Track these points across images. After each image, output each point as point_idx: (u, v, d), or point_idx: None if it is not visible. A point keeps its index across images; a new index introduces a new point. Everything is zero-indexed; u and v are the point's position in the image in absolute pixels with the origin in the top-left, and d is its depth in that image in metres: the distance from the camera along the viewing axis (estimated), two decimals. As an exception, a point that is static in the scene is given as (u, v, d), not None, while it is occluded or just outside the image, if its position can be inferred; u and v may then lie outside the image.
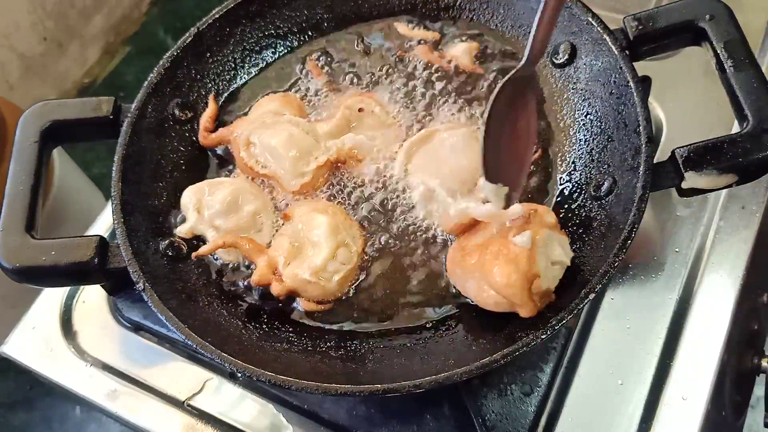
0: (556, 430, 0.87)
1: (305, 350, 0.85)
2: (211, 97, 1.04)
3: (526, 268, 0.75)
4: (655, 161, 0.81)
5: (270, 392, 0.95)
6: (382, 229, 0.92)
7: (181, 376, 0.99)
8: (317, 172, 0.95)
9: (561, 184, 0.92)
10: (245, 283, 0.91)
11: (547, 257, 0.78)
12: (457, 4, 1.06)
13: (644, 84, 0.90)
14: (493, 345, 0.78)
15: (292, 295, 0.89)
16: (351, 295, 0.89)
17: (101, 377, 1.00)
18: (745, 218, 0.97)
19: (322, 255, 0.87)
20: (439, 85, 1.01)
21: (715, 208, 0.98)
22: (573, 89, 0.95)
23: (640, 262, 0.95)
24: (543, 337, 0.74)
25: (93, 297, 1.07)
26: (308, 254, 0.88)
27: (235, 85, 1.07)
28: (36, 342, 1.05)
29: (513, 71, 0.76)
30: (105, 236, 0.88)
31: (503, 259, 0.76)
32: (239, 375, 0.95)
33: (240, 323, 0.87)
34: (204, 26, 1.03)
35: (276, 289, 0.87)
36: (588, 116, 0.93)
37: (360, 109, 0.99)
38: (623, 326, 0.92)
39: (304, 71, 1.06)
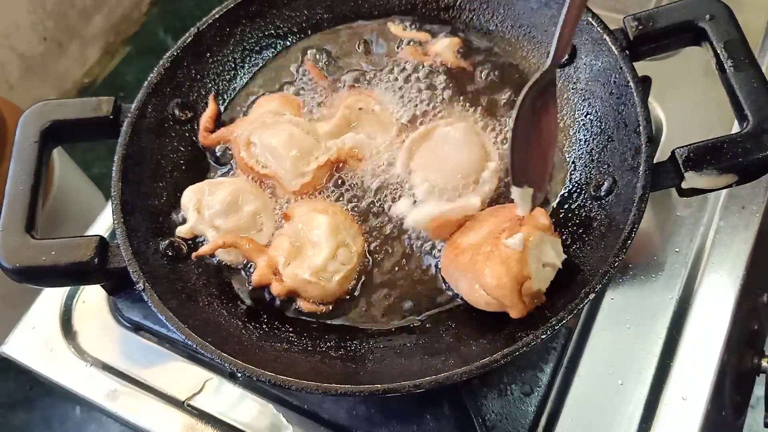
0: (556, 430, 0.87)
1: (305, 350, 0.85)
2: (211, 97, 1.04)
3: (517, 270, 0.75)
4: (655, 161, 0.81)
5: (270, 392, 0.95)
6: (383, 229, 0.92)
7: (181, 376, 0.99)
8: (318, 171, 0.95)
9: (564, 185, 0.92)
10: (245, 283, 0.91)
11: (538, 259, 0.78)
12: (457, 4, 1.06)
13: (644, 84, 0.90)
14: (493, 345, 0.78)
15: (292, 296, 0.89)
16: (351, 295, 0.89)
17: (101, 377, 1.00)
18: (745, 218, 0.97)
19: (322, 255, 0.87)
20: (438, 82, 1.01)
21: (715, 208, 0.98)
22: (573, 89, 0.95)
23: (640, 262, 0.95)
24: (543, 337, 0.74)
25: (93, 297, 1.07)
26: (308, 254, 0.88)
27: (235, 85, 1.07)
28: (36, 342, 1.05)
29: (537, 74, 0.76)
30: (105, 236, 0.88)
31: (495, 260, 0.77)
32: (239, 375, 0.95)
33: (240, 323, 0.87)
34: (204, 26, 1.03)
35: (276, 289, 0.87)
36: (588, 116, 0.93)
37: (360, 108, 0.99)
38: (623, 326, 0.92)
39: (303, 71, 1.06)
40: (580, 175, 0.91)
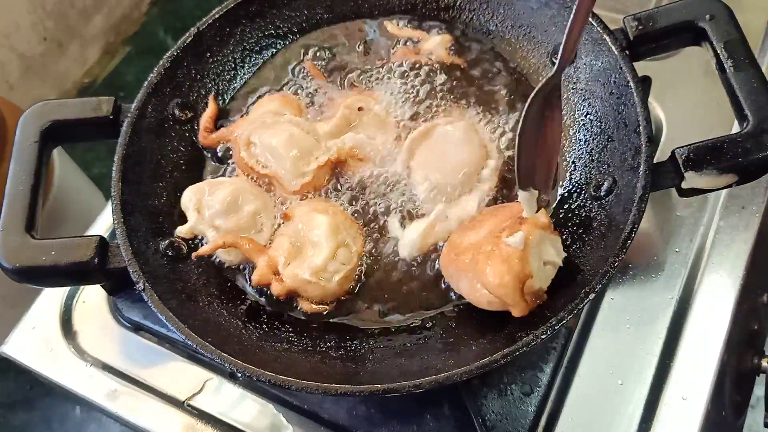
0: (556, 430, 0.87)
1: (305, 350, 0.85)
2: (211, 97, 1.04)
3: (519, 269, 0.76)
4: (655, 161, 0.81)
5: (270, 392, 0.95)
6: (383, 229, 0.92)
7: (181, 376, 0.99)
8: (318, 172, 0.95)
9: (561, 184, 0.92)
10: (245, 283, 0.91)
11: (539, 258, 0.78)
12: (457, 4, 1.06)
13: (644, 84, 0.90)
14: (493, 345, 0.78)
15: (292, 296, 0.89)
16: (351, 295, 0.89)
17: (101, 377, 1.00)
18: (745, 218, 0.97)
19: (322, 255, 0.87)
20: (437, 81, 1.01)
21: (715, 208, 0.98)
22: (573, 89, 0.95)
23: (640, 262, 0.95)
24: (543, 337, 0.74)
25: (93, 297, 1.07)
26: (308, 254, 0.88)
27: (235, 85, 1.07)
28: (36, 342, 1.05)
29: (545, 79, 0.77)
30: (105, 236, 0.88)
31: (496, 259, 0.77)
32: (239, 375, 0.95)
33: (240, 323, 0.87)
34: (204, 26, 1.03)
35: (276, 289, 0.87)
36: (588, 116, 0.93)
37: (359, 108, 0.99)
38: (623, 326, 0.92)
39: (303, 71, 1.06)
40: (580, 175, 0.91)
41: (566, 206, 0.90)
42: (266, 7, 1.07)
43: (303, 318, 0.89)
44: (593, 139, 0.91)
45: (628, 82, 0.85)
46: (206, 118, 1.02)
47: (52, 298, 1.08)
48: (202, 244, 0.92)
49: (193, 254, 0.90)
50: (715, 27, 0.85)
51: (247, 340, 0.85)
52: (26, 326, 1.06)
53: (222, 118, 1.04)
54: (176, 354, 1.00)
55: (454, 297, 0.87)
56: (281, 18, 1.08)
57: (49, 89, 2.69)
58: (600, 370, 0.89)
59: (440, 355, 0.81)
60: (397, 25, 1.08)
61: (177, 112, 1.02)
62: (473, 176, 0.92)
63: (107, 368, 1.01)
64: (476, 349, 0.80)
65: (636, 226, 0.77)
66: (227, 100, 1.06)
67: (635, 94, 0.84)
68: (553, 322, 0.74)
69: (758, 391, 1.06)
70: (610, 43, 0.88)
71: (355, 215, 0.93)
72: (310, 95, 1.04)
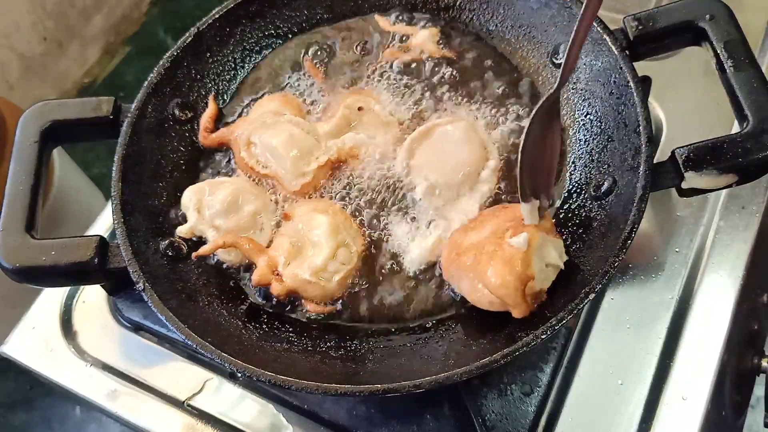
0: (556, 430, 0.87)
1: (305, 350, 0.85)
2: (211, 97, 1.04)
3: (521, 270, 0.76)
4: (655, 161, 0.81)
5: (270, 392, 0.95)
6: (383, 228, 0.92)
7: (181, 376, 0.99)
8: (318, 171, 0.95)
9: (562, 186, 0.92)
10: (246, 283, 0.91)
11: (541, 259, 0.78)
12: (457, 4, 1.06)
13: (644, 84, 0.90)
14: (493, 345, 0.78)
15: (292, 296, 0.89)
16: (351, 295, 0.89)
17: (101, 377, 1.00)
18: (745, 218, 0.97)
19: (322, 255, 0.87)
20: (437, 80, 1.01)
21: (715, 208, 0.98)
22: (573, 89, 0.95)
23: (640, 262, 0.95)
24: (543, 337, 0.74)
25: (93, 297, 1.07)
26: (308, 254, 0.88)
27: (235, 85, 1.07)
28: (36, 342, 1.05)
29: (548, 93, 0.77)
30: (105, 236, 0.88)
31: (498, 259, 0.77)
32: (239, 375, 0.95)
33: (240, 323, 0.87)
34: (204, 26, 1.03)
35: (276, 289, 0.87)
36: (588, 116, 0.93)
37: (359, 108, 0.99)
38: (623, 326, 0.92)
39: (303, 71, 1.06)
40: (580, 175, 0.91)
41: (566, 206, 0.90)
42: (266, 7, 1.07)
43: (303, 318, 0.89)
44: (593, 139, 0.91)
45: (628, 82, 0.85)
46: (206, 118, 1.02)
47: (52, 298, 1.08)
48: (202, 244, 0.92)
49: (193, 254, 0.90)
50: (715, 27, 0.85)
51: (247, 340, 0.85)
52: (26, 326, 1.06)
53: (222, 118, 1.04)
54: (176, 354, 1.00)
55: (453, 297, 0.87)
56: (281, 18, 1.08)
57: (49, 89, 2.69)
58: (600, 370, 0.89)
59: (440, 355, 0.81)
60: (388, 20, 1.07)
61: (177, 112, 1.02)
62: (473, 176, 0.92)
63: (107, 368, 1.01)
64: (476, 349, 0.80)
65: (636, 226, 0.77)
66: (227, 100, 1.06)
67: (635, 94, 0.84)
68: (553, 322, 0.74)
69: (758, 391, 1.06)
70: (610, 43, 0.88)
71: (355, 215, 0.93)
72: (309, 95, 1.04)
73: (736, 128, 0.83)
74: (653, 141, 0.82)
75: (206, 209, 0.93)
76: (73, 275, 0.88)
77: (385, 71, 1.04)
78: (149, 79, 0.99)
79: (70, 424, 2.13)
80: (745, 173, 0.80)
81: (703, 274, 0.94)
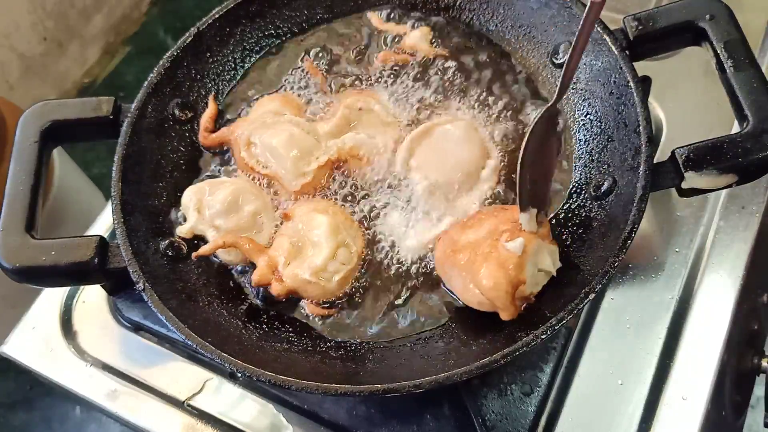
0: (556, 430, 0.87)
1: (305, 350, 0.85)
2: (211, 97, 1.04)
3: (514, 274, 0.76)
4: (655, 161, 0.81)
5: (270, 392, 0.95)
6: (383, 228, 0.92)
7: (181, 376, 0.99)
8: (318, 172, 0.95)
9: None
10: (246, 283, 0.91)
11: (535, 265, 0.79)
12: (457, 4, 1.06)
13: (644, 84, 0.90)
14: (493, 345, 0.78)
15: (292, 296, 0.89)
16: (351, 295, 0.89)
17: (101, 377, 1.00)
18: (745, 218, 0.97)
19: (322, 255, 0.87)
20: (437, 80, 1.01)
21: (715, 208, 0.98)
22: (573, 89, 0.95)
23: (640, 262, 0.95)
24: (543, 337, 0.74)
25: (93, 297, 1.07)
26: (308, 254, 0.88)
27: (235, 85, 1.07)
28: (36, 342, 1.05)
29: (546, 106, 0.78)
30: (105, 236, 0.88)
31: (492, 261, 0.77)
32: (239, 375, 0.95)
33: (240, 323, 0.87)
34: (204, 26, 1.03)
35: (276, 289, 0.87)
36: (588, 116, 0.93)
37: (360, 108, 0.99)
38: (623, 326, 0.92)
39: (303, 71, 1.06)
40: (580, 175, 0.91)
41: (566, 206, 0.90)
42: (266, 7, 1.07)
43: (303, 319, 0.89)
44: (593, 139, 0.91)
45: (628, 82, 0.85)
46: (206, 118, 1.02)
47: (52, 298, 1.08)
48: (202, 244, 0.92)
49: (193, 254, 0.90)
50: (715, 27, 0.85)
51: (247, 340, 0.85)
52: (26, 326, 1.06)
53: (222, 118, 1.04)
54: (176, 354, 1.00)
55: (453, 297, 0.87)
56: (281, 18, 1.08)
57: (49, 89, 2.69)
58: (600, 370, 0.89)
59: (440, 355, 0.81)
60: (380, 17, 1.07)
61: (177, 112, 1.02)
62: (473, 175, 0.92)
63: (107, 368, 1.01)
64: (476, 349, 0.80)
65: (636, 226, 0.77)
66: (227, 100, 1.06)
67: (635, 94, 0.84)
68: (553, 322, 0.74)
69: (758, 391, 1.06)
70: (610, 43, 0.88)
71: (355, 215, 0.93)
72: (310, 95, 1.04)
73: (736, 128, 0.83)
74: (653, 141, 0.82)
75: (206, 209, 0.93)
76: (73, 275, 0.88)
77: (384, 71, 1.03)
78: (149, 79, 0.99)
79: (70, 424, 2.13)
80: (745, 173, 0.80)
81: (703, 274, 0.94)
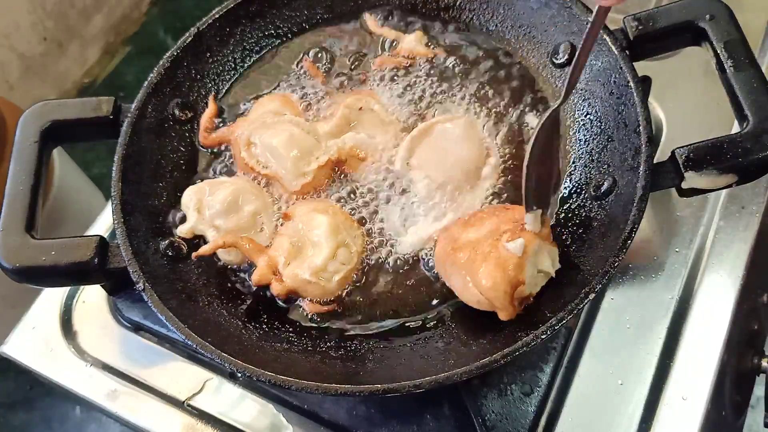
0: (556, 430, 0.87)
1: (305, 350, 0.85)
2: (211, 97, 1.04)
3: (513, 275, 0.76)
4: (655, 161, 0.81)
5: (270, 392, 0.95)
6: (384, 228, 0.92)
7: (181, 376, 0.99)
8: (318, 172, 0.95)
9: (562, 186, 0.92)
10: (245, 283, 0.91)
11: (534, 266, 0.79)
12: (457, 4, 1.06)
13: (644, 84, 0.90)
14: (493, 345, 0.78)
15: (292, 295, 0.89)
16: (351, 295, 0.89)
17: (101, 377, 1.00)
18: (745, 218, 0.97)
19: (322, 255, 0.87)
20: (435, 79, 1.02)
21: (715, 208, 0.98)
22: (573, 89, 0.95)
23: (640, 262, 0.95)
24: (543, 337, 0.74)
25: (93, 297, 1.07)
26: (308, 254, 0.88)
27: (235, 86, 1.07)
28: (36, 342, 1.05)
29: (551, 109, 0.78)
30: (105, 236, 0.88)
31: (492, 261, 0.77)
32: (239, 375, 0.95)
33: (240, 323, 0.87)
34: (204, 26, 1.03)
35: (276, 289, 0.87)
36: (588, 116, 0.93)
37: (360, 108, 0.99)
38: (623, 326, 0.92)
39: (303, 71, 1.06)
40: (580, 175, 0.91)
41: (566, 206, 0.90)
42: (266, 7, 1.07)
43: (302, 319, 0.89)
44: (593, 139, 0.91)
45: (628, 82, 0.85)
46: (206, 118, 1.02)
47: (52, 298, 1.08)
48: (202, 244, 0.92)
49: (193, 254, 0.90)
50: (715, 27, 0.85)
51: (247, 340, 0.85)
52: (26, 326, 1.06)
53: (222, 118, 1.04)
54: (176, 354, 1.00)
55: (453, 297, 0.87)
56: (281, 18, 1.08)
57: (49, 89, 2.69)
58: (600, 370, 0.89)
59: (440, 355, 0.81)
60: (376, 20, 1.07)
61: (177, 112, 1.02)
62: (474, 173, 0.93)
63: (107, 368, 1.01)
64: (476, 349, 0.80)
65: (636, 226, 0.77)
66: (227, 101, 1.06)
67: (635, 94, 0.84)
68: (553, 322, 0.74)
69: (758, 391, 1.06)
70: (610, 43, 0.88)
71: (355, 215, 0.93)
72: (309, 95, 1.04)
73: (736, 128, 0.83)
74: (653, 141, 0.82)
75: (206, 209, 0.93)
76: (73, 275, 0.88)
77: (384, 71, 1.03)
78: (149, 79, 0.99)
79: (70, 424, 2.13)
80: (745, 173, 0.80)
81: (703, 274, 0.94)
